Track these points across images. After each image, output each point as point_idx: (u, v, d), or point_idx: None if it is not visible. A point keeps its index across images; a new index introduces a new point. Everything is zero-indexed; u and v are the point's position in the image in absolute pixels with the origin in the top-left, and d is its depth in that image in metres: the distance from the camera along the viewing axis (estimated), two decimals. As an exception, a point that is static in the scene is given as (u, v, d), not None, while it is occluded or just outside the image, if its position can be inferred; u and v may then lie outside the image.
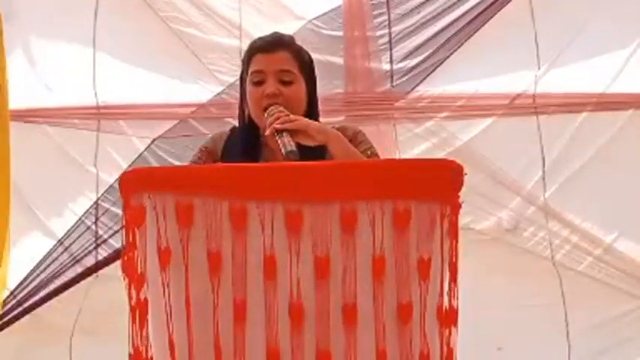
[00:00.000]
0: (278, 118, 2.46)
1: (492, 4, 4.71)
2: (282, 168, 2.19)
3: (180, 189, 2.05)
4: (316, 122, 2.55)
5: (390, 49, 4.76)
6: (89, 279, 4.67)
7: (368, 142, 2.63)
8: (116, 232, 4.58)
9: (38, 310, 4.69)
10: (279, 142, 2.42)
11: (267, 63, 2.59)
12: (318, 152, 2.47)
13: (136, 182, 2.09)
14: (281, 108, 2.51)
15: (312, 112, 2.63)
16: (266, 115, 2.52)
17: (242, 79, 2.67)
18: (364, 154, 2.54)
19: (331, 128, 2.56)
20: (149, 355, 2.08)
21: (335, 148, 2.46)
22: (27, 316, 4.69)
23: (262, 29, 4.72)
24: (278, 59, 2.59)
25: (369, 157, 2.54)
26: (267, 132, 2.46)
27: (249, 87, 2.61)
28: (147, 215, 2.05)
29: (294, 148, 2.40)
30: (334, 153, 2.46)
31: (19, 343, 4.67)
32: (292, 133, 2.43)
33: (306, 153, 2.44)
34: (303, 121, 2.48)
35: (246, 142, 2.62)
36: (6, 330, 4.68)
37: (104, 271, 4.59)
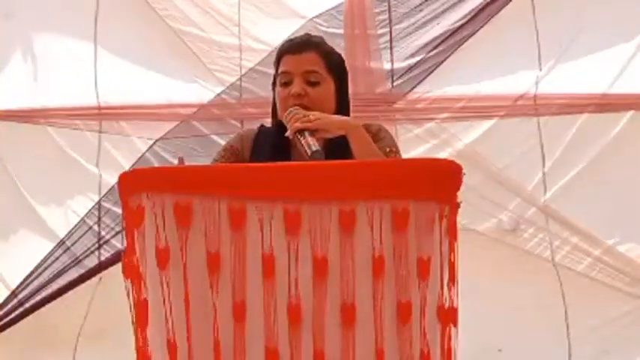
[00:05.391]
0: (297, 120, 2.47)
1: (494, 2, 4.71)
2: (281, 168, 2.20)
3: (179, 189, 2.05)
4: (334, 116, 2.55)
5: (391, 48, 4.75)
6: (94, 280, 4.67)
7: (389, 140, 2.63)
8: (118, 232, 4.58)
9: (42, 313, 4.69)
10: (302, 142, 2.43)
11: (294, 64, 2.61)
12: (340, 143, 2.48)
13: (135, 183, 2.10)
14: (298, 109, 2.51)
15: (342, 113, 2.63)
16: (285, 117, 2.53)
17: (274, 80, 2.69)
18: (384, 151, 2.53)
19: (351, 120, 2.57)
20: (150, 355, 2.09)
21: (353, 141, 2.46)
22: (31, 320, 4.69)
23: (262, 27, 4.75)
24: (305, 60, 2.61)
25: (388, 155, 2.53)
26: (289, 134, 2.47)
27: (278, 88, 2.63)
28: (146, 215, 2.06)
29: (318, 147, 2.40)
30: (351, 145, 2.46)
31: (22, 347, 4.67)
32: (313, 131, 2.45)
33: (331, 146, 2.48)
34: (322, 119, 2.49)
35: (275, 143, 2.62)
36: (9, 333, 4.68)
37: (109, 273, 4.58)
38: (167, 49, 4.81)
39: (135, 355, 2.13)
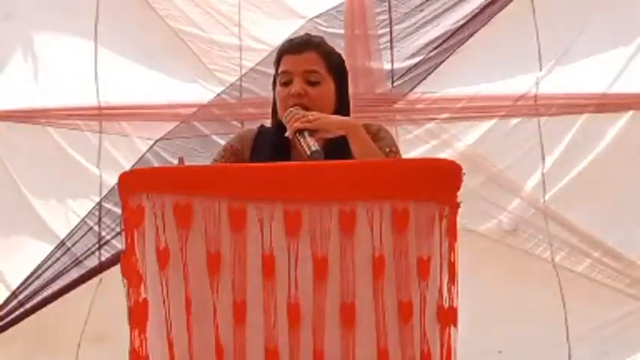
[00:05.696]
0: (297, 120, 2.47)
1: (494, 3, 4.70)
2: (281, 168, 2.20)
3: (179, 189, 2.05)
4: (334, 117, 2.55)
5: (391, 48, 4.75)
6: (94, 280, 4.66)
7: (389, 140, 2.63)
8: (118, 233, 4.58)
9: (42, 313, 4.68)
10: (302, 142, 2.43)
11: (294, 64, 2.62)
12: (340, 143, 2.48)
13: (135, 183, 2.10)
14: (297, 109, 2.52)
15: (342, 113, 2.63)
16: (285, 118, 2.53)
17: (274, 80, 2.69)
18: (383, 151, 2.53)
19: (350, 120, 2.58)
20: (149, 356, 2.08)
21: (352, 141, 2.47)
22: (31, 320, 4.68)
23: (262, 27, 4.75)
24: (305, 60, 2.62)
25: (387, 155, 2.54)
26: (288, 134, 2.48)
27: (277, 88, 2.64)
28: (145, 216, 2.06)
29: (318, 147, 2.41)
30: (351, 145, 2.46)
31: (23, 348, 4.67)
32: (313, 131, 2.45)
33: (330, 146, 2.48)
34: (321, 119, 2.49)
35: (275, 143, 2.62)
36: (10, 334, 4.67)
37: (109, 274, 4.57)
38: (167, 49, 4.81)
39: (131, 354, 2.12)
